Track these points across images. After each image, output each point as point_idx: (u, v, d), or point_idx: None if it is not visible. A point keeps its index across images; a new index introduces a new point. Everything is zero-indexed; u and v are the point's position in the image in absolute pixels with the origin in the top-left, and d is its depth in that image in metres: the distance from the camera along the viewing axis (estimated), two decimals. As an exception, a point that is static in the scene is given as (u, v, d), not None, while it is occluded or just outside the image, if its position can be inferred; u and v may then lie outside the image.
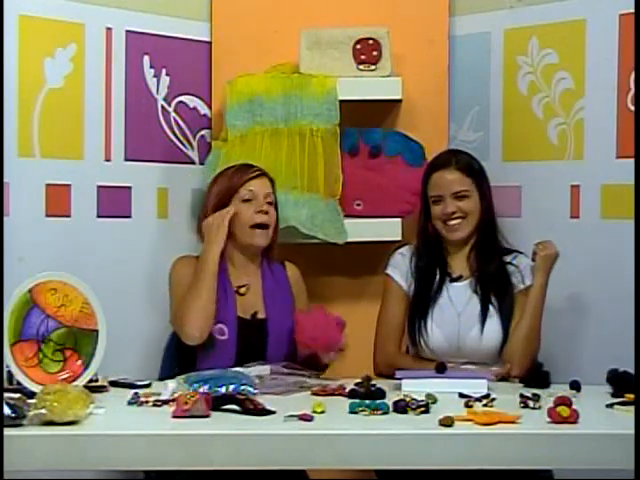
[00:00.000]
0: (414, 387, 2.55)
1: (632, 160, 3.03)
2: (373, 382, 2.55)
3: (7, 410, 2.11)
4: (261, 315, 2.91)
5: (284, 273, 3.01)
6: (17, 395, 2.21)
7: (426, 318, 2.93)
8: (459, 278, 2.99)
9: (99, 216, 3.22)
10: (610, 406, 2.43)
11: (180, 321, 2.82)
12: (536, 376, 2.70)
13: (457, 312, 2.93)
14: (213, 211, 2.92)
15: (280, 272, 3.01)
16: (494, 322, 2.91)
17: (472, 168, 2.99)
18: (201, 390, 2.38)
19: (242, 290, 2.92)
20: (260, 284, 2.95)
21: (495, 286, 2.95)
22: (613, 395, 2.54)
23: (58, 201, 3.13)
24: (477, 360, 2.89)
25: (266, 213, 2.91)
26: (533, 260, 2.93)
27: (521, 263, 2.97)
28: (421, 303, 2.96)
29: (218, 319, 2.83)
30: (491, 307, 2.92)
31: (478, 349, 2.90)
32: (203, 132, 3.47)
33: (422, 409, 2.31)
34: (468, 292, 2.96)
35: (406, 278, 3.02)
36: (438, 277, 2.99)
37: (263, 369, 2.67)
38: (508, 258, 2.99)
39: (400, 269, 3.03)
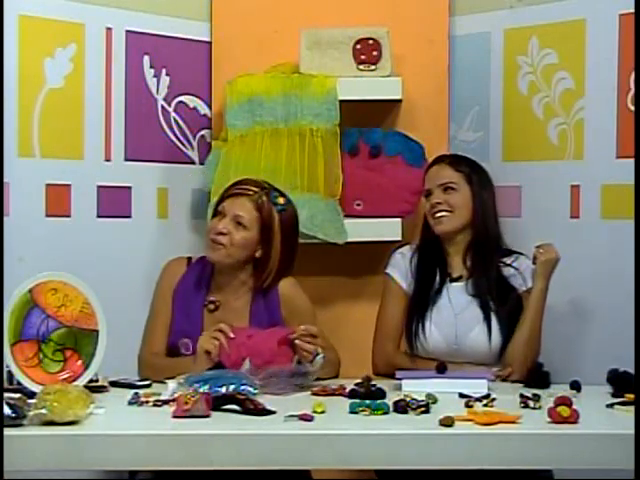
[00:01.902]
0: (414, 387, 2.55)
1: (632, 160, 3.03)
2: (373, 382, 2.55)
3: (7, 410, 2.11)
4: None
5: (276, 292, 2.89)
6: (17, 395, 2.20)
7: (424, 318, 2.93)
8: (459, 278, 2.99)
9: (99, 216, 3.23)
10: (610, 406, 2.43)
11: (143, 363, 2.85)
12: (536, 376, 2.70)
13: (455, 313, 2.93)
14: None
15: (273, 292, 2.89)
16: (492, 324, 2.91)
17: (463, 165, 3.03)
18: (201, 390, 2.38)
19: (210, 307, 2.88)
20: (247, 304, 2.88)
21: (492, 288, 2.95)
22: (613, 395, 2.54)
23: (58, 201, 3.13)
24: (475, 361, 2.90)
25: (222, 234, 2.81)
26: (534, 264, 2.93)
27: (522, 265, 2.97)
28: (420, 303, 2.96)
29: (185, 333, 2.81)
30: (489, 309, 2.92)
31: (476, 350, 2.90)
32: (203, 132, 3.47)
33: (422, 409, 2.31)
34: (465, 293, 2.96)
35: (406, 278, 3.02)
36: (438, 277, 2.99)
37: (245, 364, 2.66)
38: (509, 260, 2.99)
39: (400, 269, 3.03)
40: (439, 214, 2.98)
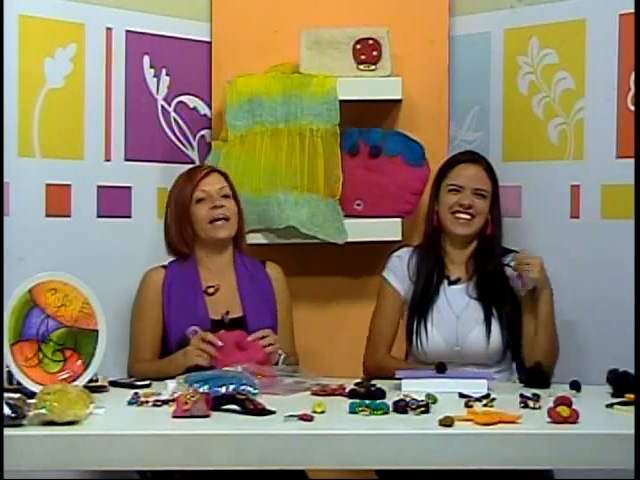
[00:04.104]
0: (414, 387, 2.55)
1: (632, 160, 3.03)
2: (373, 382, 2.55)
3: (7, 410, 2.11)
4: (235, 314, 2.91)
5: (263, 272, 3.02)
6: (17, 395, 2.20)
7: (425, 321, 2.93)
8: (457, 281, 2.99)
9: (99, 216, 3.23)
10: (610, 406, 2.43)
11: (132, 365, 2.89)
12: (536, 376, 2.70)
13: (456, 315, 2.93)
14: (174, 221, 2.96)
15: (259, 271, 3.01)
16: (493, 324, 2.90)
17: (493, 172, 3.03)
18: (201, 390, 2.38)
19: (210, 290, 2.94)
20: (234, 283, 2.97)
21: (493, 289, 2.94)
22: (613, 395, 2.54)
23: (58, 201, 3.13)
24: (476, 362, 2.89)
25: (221, 207, 2.93)
26: (519, 277, 2.88)
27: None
28: (420, 306, 2.96)
29: (191, 322, 2.83)
30: (489, 309, 2.92)
31: (478, 351, 2.90)
32: (203, 132, 3.47)
33: (422, 409, 2.31)
34: (465, 295, 2.96)
35: (402, 281, 3.01)
36: (436, 280, 2.98)
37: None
38: (505, 259, 2.99)
39: (396, 272, 3.03)
40: (463, 215, 2.97)
